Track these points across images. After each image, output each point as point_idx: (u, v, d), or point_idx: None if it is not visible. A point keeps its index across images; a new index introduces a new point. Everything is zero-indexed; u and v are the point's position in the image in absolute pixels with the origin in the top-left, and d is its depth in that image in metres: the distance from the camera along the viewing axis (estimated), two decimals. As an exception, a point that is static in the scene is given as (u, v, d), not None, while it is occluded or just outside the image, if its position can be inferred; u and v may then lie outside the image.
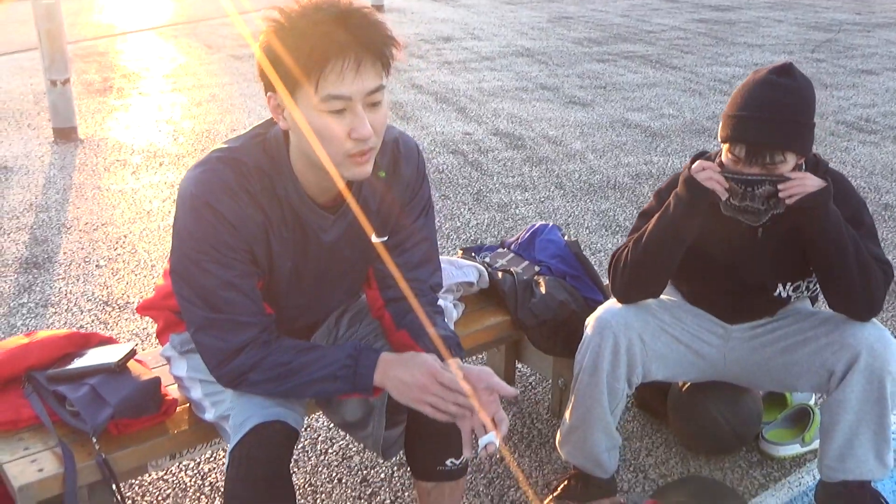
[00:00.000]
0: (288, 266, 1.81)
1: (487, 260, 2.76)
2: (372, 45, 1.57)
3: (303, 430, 2.79)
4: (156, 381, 2.00)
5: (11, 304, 3.64)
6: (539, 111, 6.81)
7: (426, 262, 1.98)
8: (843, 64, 8.62)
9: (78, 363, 2.06)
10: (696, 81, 7.83)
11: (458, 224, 4.51)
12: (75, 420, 1.93)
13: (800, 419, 2.75)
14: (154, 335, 3.09)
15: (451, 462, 1.98)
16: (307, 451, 2.69)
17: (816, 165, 2.24)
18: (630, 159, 5.64)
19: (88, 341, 2.16)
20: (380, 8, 12.11)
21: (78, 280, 3.86)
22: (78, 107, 6.64)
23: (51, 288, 3.80)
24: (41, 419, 1.96)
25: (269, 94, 1.64)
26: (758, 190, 2.10)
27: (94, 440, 1.89)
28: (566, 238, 2.80)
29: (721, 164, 2.17)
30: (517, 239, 2.87)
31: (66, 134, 5.93)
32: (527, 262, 2.73)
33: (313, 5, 1.57)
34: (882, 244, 4.19)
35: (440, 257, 2.56)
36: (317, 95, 1.56)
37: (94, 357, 2.08)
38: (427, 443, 1.96)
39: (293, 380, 1.73)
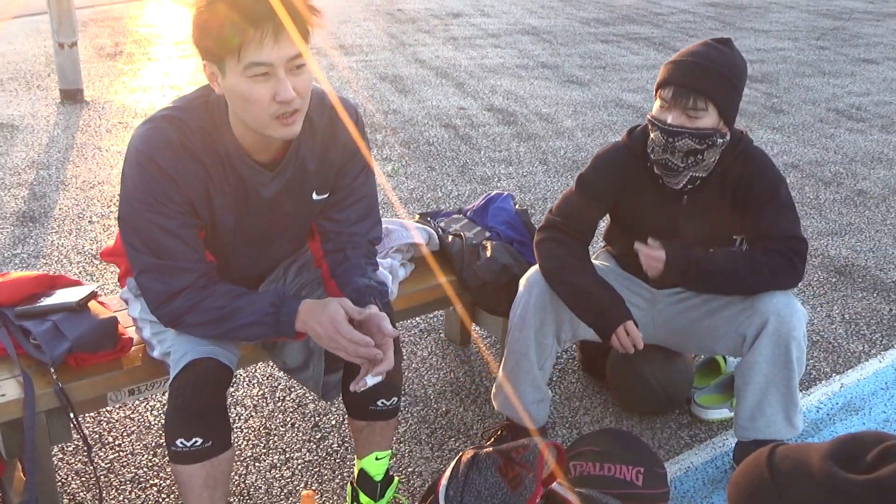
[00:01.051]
0: (231, 219, 1.98)
1: (442, 225, 2.92)
2: (291, 14, 1.73)
3: (239, 369, 2.98)
4: (112, 320, 2.19)
5: (5, 255, 3.85)
6: (536, 89, 6.94)
7: (364, 218, 2.15)
8: (845, 52, 8.67)
9: (44, 302, 2.25)
10: (695, 64, 7.91)
11: (440, 195, 4.67)
12: (37, 352, 2.12)
13: (730, 386, 2.91)
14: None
15: (382, 402, 2.16)
16: (266, 398, 2.88)
17: (739, 142, 2.38)
18: (617, 138, 5.75)
19: (55, 283, 2.35)
20: (394, -18, 12.20)
21: (70, 234, 4.06)
22: (87, 70, 6.85)
23: (44, 241, 4.00)
24: (7, 351, 2.15)
25: (204, 62, 1.81)
26: (678, 142, 2.26)
27: (53, 370, 2.09)
28: (517, 206, 2.96)
29: (652, 116, 2.33)
30: (473, 206, 3.04)
31: (71, 95, 6.12)
32: (479, 228, 2.90)
33: None
34: (850, 228, 4.33)
35: (395, 220, 2.74)
36: (240, 63, 1.73)
37: (59, 297, 2.26)
38: (361, 385, 2.14)
39: (226, 324, 1.90)
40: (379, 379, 1.89)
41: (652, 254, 2.31)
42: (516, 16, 10.18)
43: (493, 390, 2.62)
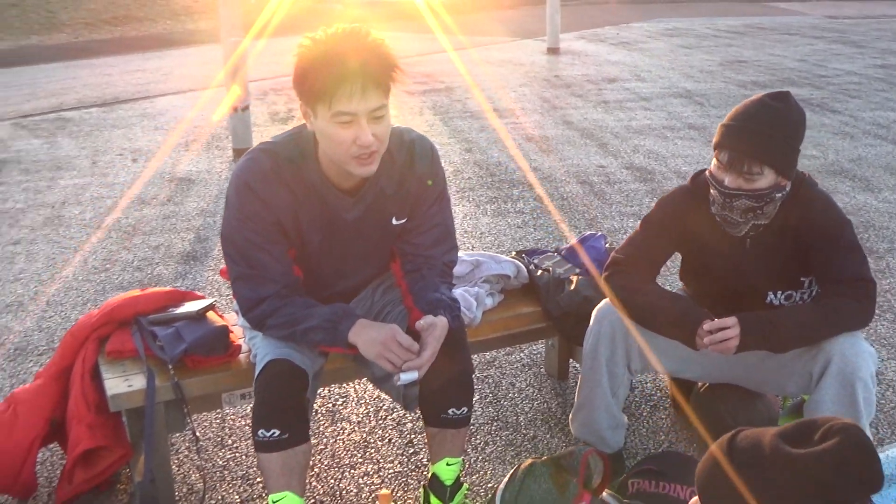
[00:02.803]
0: (317, 238, 2.28)
1: (536, 261, 3.12)
2: (376, 72, 2.03)
3: (349, 388, 3.25)
4: (223, 328, 2.53)
5: (167, 287, 4.35)
6: (679, 149, 7.01)
7: (439, 243, 2.40)
8: None
9: (172, 311, 2.63)
10: (852, 125, 7.73)
11: (564, 245, 4.84)
12: (161, 353, 2.48)
13: (819, 427, 2.90)
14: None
15: (452, 411, 2.36)
16: (369, 416, 3.14)
17: (801, 184, 2.45)
18: (754, 195, 5.74)
19: (184, 297, 2.73)
20: (555, 50, 12.58)
21: (223, 271, 4.54)
22: (260, 132, 7.54)
23: (201, 276, 4.49)
24: (138, 351, 2.53)
25: (300, 101, 2.13)
26: (735, 202, 2.35)
27: (170, 367, 2.44)
28: (607, 245, 3.12)
29: (710, 172, 2.44)
30: (568, 245, 3.22)
31: (242, 153, 6.76)
32: (570, 265, 3.07)
33: (335, 36, 2.05)
34: None
35: (486, 252, 2.98)
36: (330, 111, 2.04)
37: (185, 308, 2.64)
38: (434, 394, 2.35)
39: (295, 327, 2.19)
40: (413, 376, 2.11)
41: (722, 336, 2.30)
42: (672, 80, 10.25)
43: (571, 416, 2.77)
